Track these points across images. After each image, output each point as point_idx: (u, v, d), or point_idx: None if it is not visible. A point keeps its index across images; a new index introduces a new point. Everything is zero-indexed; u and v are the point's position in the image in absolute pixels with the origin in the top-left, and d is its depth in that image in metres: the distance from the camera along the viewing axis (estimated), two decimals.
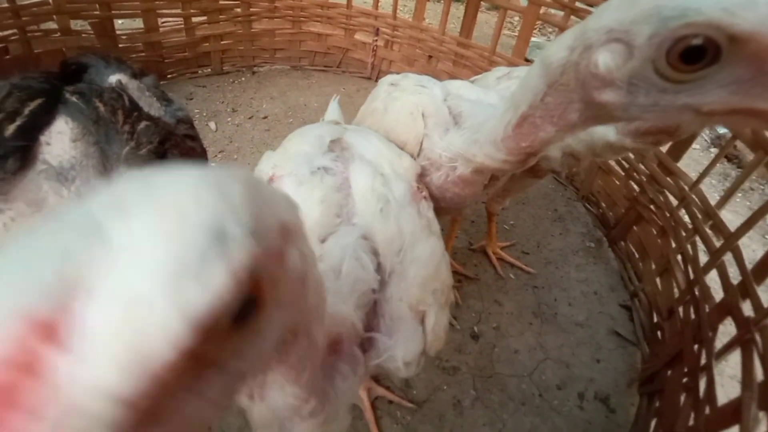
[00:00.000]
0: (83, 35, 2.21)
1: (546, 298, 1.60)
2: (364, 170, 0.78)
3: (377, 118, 1.04)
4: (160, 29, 2.44)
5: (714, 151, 2.95)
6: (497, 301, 1.56)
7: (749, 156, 1.33)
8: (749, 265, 1.15)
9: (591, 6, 2.00)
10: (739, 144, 1.38)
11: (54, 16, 2.06)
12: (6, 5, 1.88)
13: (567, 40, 0.52)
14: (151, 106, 0.86)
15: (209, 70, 2.75)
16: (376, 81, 2.86)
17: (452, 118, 0.93)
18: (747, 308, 1.12)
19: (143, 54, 2.43)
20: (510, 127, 0.64)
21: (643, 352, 1.44)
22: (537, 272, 1.70)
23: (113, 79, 0.84)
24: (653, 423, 1.17)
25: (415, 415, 1.19)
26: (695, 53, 0.39)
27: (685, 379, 1.14)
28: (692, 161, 2.64)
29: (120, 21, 2.39)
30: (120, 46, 2.33)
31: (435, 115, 0.93)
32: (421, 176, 0.94)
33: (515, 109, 0.63)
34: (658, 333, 1.41)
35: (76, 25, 2.18)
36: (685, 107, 0.42)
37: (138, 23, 2.40)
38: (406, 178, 0.84)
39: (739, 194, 2.36)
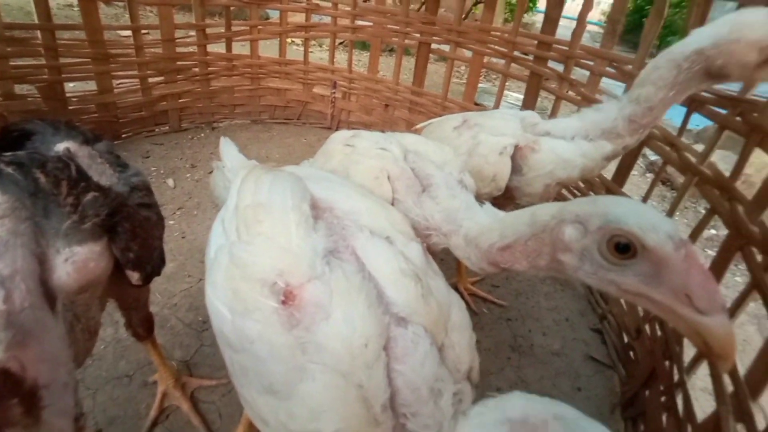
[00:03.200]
0: (29, 98, 2.14)
1: (521, 330, 1.60)
2: (376, 247, 0.72)
3: None
4: (115, 90, 2.42)
5: (650, 176, 3.21)
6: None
7: (680, 178, 1.46)
8: None
9: (526, 54, 2.21)
10: (669, 168, 1.51)
11: None
12: None
13: (552, 210, 0.69)
14: (102, 173, 0.82)
15: (167, 127, 2.73)
16: (337, 130, 2.95)
17: (418, 180, 0.98)
18: None
19: (96, 115, 2.38)
20: (494, 249, 0.78)
21: (620, 375, 1.46)
22: (509, 304, 1.71)
23: (60, 147, 0.79)
24: None
25: None
26: (625, 247, 0.57)
27: (662, 398, 1.15)
28: (633, 186, 2.86)
29: (71, 84, 2.36)
30: (70, 108, 2.28)
31: (401, 177, 0.97)
32: None
33: (502, 238, 0.77)
34: (631, 353, 1.43)
35: (22, 89, 2.12)
36: (611, 282, 0.60)
37: (91, 85, 2.37)
38: (411, 235, 0.81)
39: (677, 213, 2.55)
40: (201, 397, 1.21)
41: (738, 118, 1.22)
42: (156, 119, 2.66)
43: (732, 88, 1.26)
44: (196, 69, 2.70)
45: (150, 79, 2.53)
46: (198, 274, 1.64)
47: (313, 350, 0.60)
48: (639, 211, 0.58)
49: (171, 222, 1.90)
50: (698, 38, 0.95)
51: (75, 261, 0.65)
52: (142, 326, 1.07)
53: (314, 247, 0.67)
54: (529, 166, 1.24)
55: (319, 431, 0.58)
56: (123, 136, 2.53)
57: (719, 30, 0.92)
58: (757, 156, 1.16)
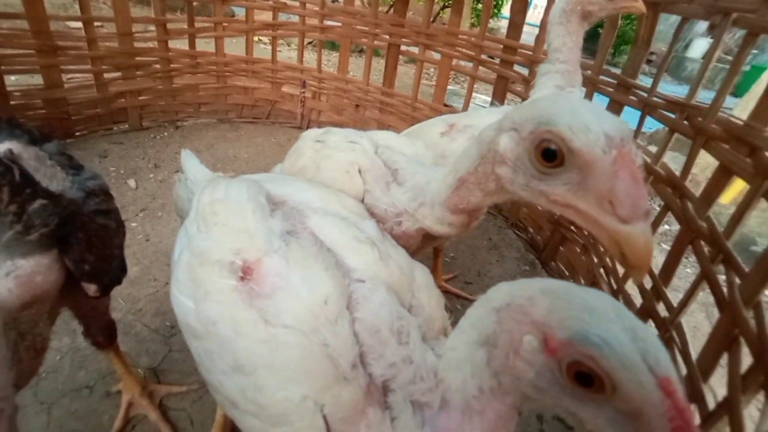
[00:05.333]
0: None
1: None
2: (329, 222, 0.75)
3: (309, 176, 1.03)
4: (65, 85, 2.26)
5: None
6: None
7: None
8: (656, 270, 1.31)
9: (492, 58, 2.28)
10: None
11: None
12: None
13: (495, 124, 0.65)
14: (53, 177, 0.75)
15: (126, 126, 2.58)
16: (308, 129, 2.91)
17: (389, 171, 0.97)
18: (662, 309, 1.26)
19: (43, 111, 2.22)
20: (450, 189, 0.77)
21: None
22: None
23: (1, 148, 0.71)
24: None
25: None
26: (553, 154, 0.54)
27: None
28: None
29: (13, 77, 2.18)
30: (12, 103, 2.10)
31: (371, 169, 0.96)
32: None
33: (455, 174, 0.75)
34: None
35: None
36: (542, 193, 0.57)
37: (37, 79, 2.20)
38: (365, 215, 0.84)
39: None
40: (171, 404, 1.15)
41: (685, 122, 1.32)
42: (114, 117, 2.52)
43: (680, 93, 1.36)
44: (157, 66, 2.58)
45: (106, 75, 2.39)
46: (164, 278, 1.56)
47: (274, 316, 0.61)
48: (575, 111, 0.52)
49: (134, 224, 1.80)
50: (558, 3, 1.30)
51: (18, 275, 0.60)
52: (103, 335, 1.01)
53: (270, 227, 0.70)
54: None
55: (288, 399, 0.58)
56: (76, 134, 2.37)
57: None
58: (701, 156, 1.26)
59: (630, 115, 1.62)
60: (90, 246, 0.70)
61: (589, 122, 0.50)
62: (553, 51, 1.34)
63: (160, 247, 1.72)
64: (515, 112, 0.62)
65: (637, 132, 1.57)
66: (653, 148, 1.47)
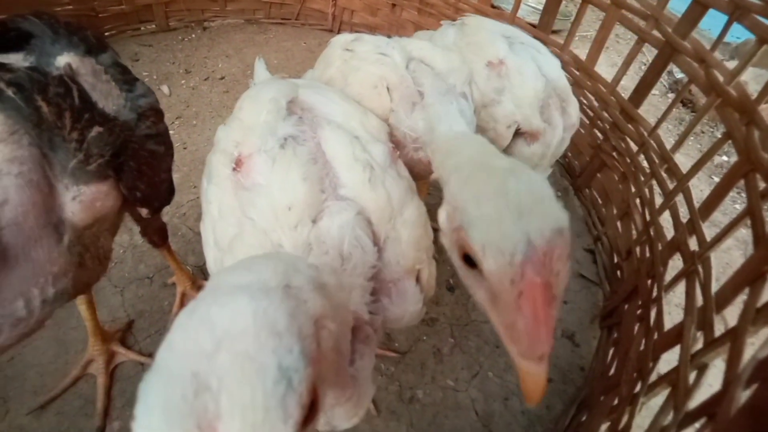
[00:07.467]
0: None
1: None
2: (338, 136, 0.75)
3: (337, 88, 0.97)
4: None
5: (672, 96, 3.04)
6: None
7: (703, 100, 1.39)
8: (697, 205, 1.24)
9: None
10: (694, 89, 1.42)
11: None
12: None
13: (456, 161, 0.61)
14: (108, 95, 0.74)
15: (154, 26, 2.50)
16: (339, 33, 2.70)
17: (417, 92, 0.90)
18: (693, 243, 1.22)
19: (70, 7, 2.16)
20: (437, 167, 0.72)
21: (605, 291, 1.57)
22: None
23: (62, 61, 0.70)
24: (611, 352, 1.30)
25: (398, 365, 1.26)
26: (472, 260, 0.48)
27: (639, 311, 1.26)
28: (651, 107, 2.72)
29: None
30: None
31: (400, 87, 0.90)
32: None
33: (433, 155, 0.73)
34: (618, 272, 1.52)
35: None
36: (468, 285, 0.52)
37: None
38: (381, 139, 0.82)
39: (692, 137, 2.48)
40: None
41: None
42: (140, 15, 2.42)
43: None
44: None
45: None
46: None
47: (248, 207, 0.67)
48: (498, 218, 0.45)
49: (171, 132, 1.85)
50: None
51: (82, 200, 0.65)
52: (157, 235, 1.13)
53: (273, 129, 0.73)
54: None
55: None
56: (106, 34, 2.33)
57: None
58: None
59: (713, 20, 1.36)
60: (141, 174, 0.74)
61: (505, 237, 0.44)
62: None
63: (197, 155, 1.79)
64: (458, 187, 0.53)
65: (718, 42, 1.35)
66: (735, 64, 1.26)
